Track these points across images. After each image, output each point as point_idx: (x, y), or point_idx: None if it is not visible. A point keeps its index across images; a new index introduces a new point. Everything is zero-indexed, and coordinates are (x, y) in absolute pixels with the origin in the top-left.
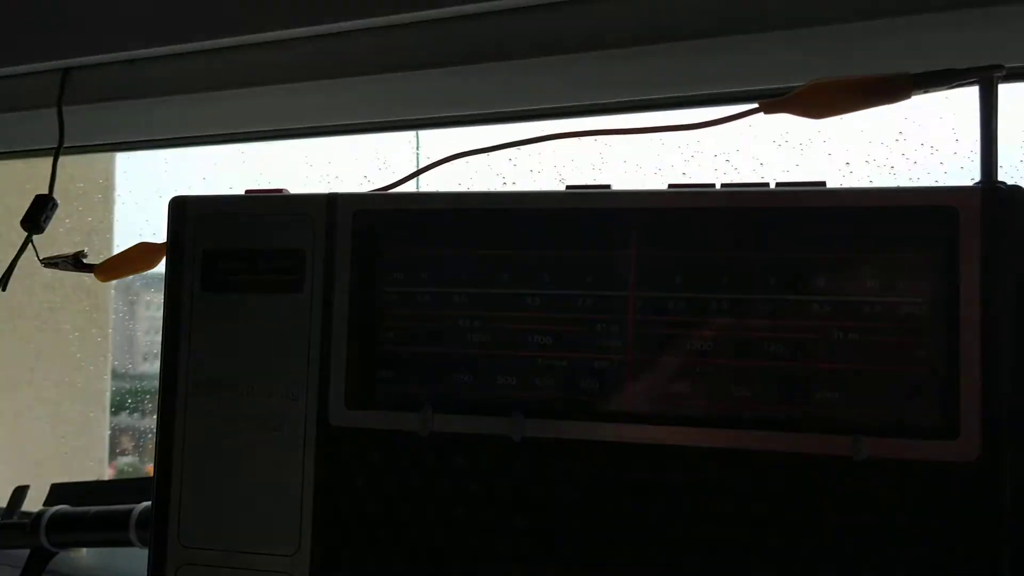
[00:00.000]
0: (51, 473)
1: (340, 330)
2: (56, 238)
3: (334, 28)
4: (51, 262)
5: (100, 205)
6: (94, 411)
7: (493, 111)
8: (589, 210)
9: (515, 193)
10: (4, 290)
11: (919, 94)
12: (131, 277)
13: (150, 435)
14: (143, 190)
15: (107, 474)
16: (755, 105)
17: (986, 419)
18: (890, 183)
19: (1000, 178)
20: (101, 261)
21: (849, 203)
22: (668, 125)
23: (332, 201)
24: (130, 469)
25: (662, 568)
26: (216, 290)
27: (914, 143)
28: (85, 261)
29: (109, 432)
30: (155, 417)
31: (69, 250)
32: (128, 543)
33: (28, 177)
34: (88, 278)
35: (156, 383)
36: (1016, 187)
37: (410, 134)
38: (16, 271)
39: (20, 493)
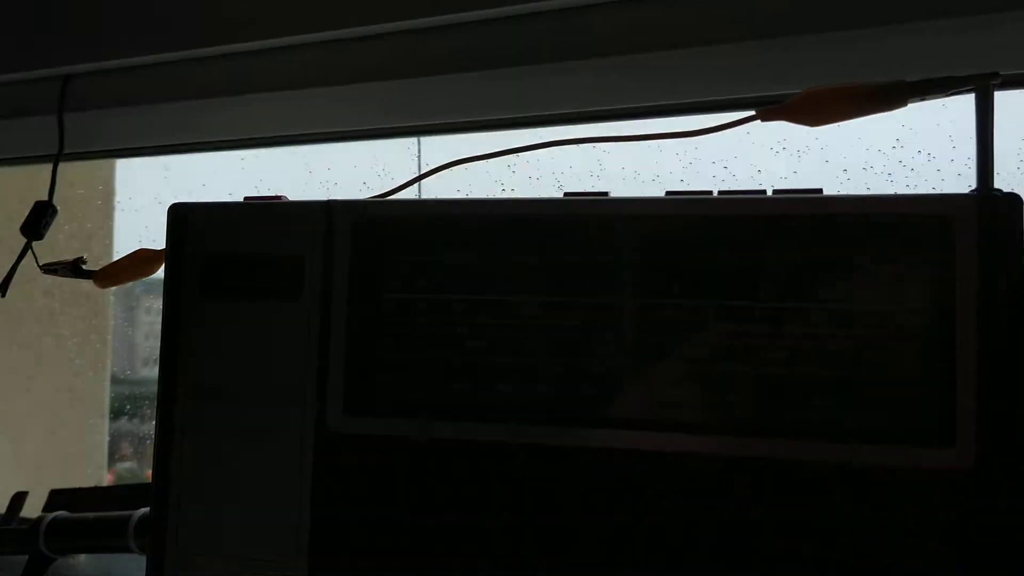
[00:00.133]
0: (50, 479)
1: (339, 336)
2: (56, 244)
3: (333, 35)
4: (50, 268)
5: (100, 211)
6: (93, 417)
7: (492, 118)
8: (587, 217)
9: (514, 200)
10: (3, 296)
11: (915, 101)
12: (130, 282)
13: (149, 440)
14: (143, 196)
15: (106, 480)
16: (752, 113)
17: (982, 426)
18: (887, 190)
19: (997, 185)
20: (100, 267)
21: (846, 211)
22: (666, 133)
23: (331, 208)
24: (129, 475)
25: (660, 574)
26: (215, 297)
27: (911, 150)
28: (84, 267)
29: (108, 438)
30: (154, 423)
31: (69, 256)
32: (127, 549)
33: (28, 183)
34: (87, 284)
35: (155, 388)
36: (1012, 195)
37: (409, 141)
38: (16, 277)
39: (19, 499)
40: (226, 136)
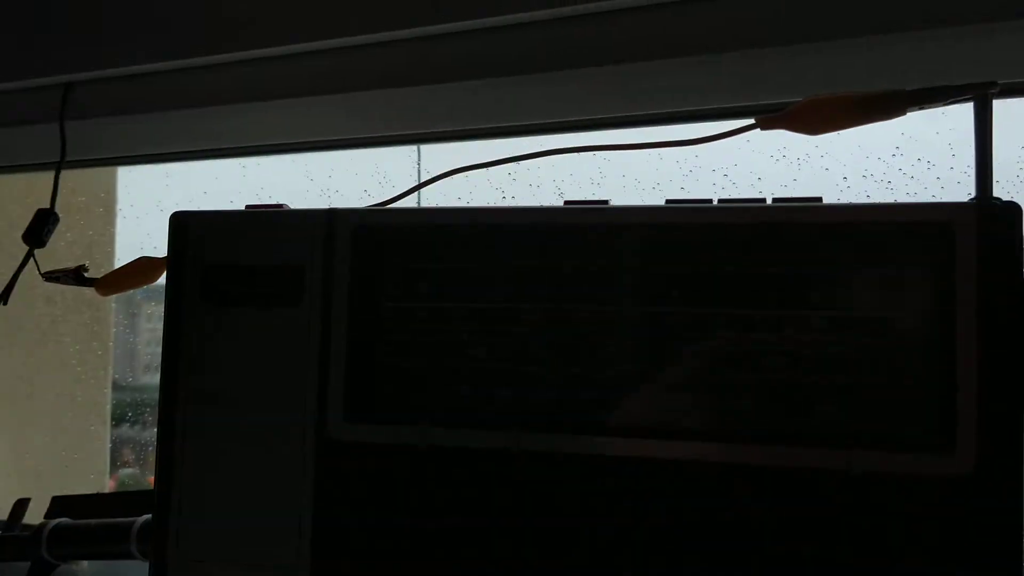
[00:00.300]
0: (52, 485)
1: (339, 344)
2: (57, 251)
3: (334, 44)
4: (52, 276)
5: (101, 219)
6: (95, 424)
7: (493, 126)
8: (587, 225)
9: (514, 208)
10: (5, 304)
11: (914, 110)
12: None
13: (151, 447)
14: (144, 204)
15: (108, 486)
16: (752, 121)
17: (982, 433)
18: (887, 198)
19: (997, 192)
20: (102, 275)
21: (845, 219)
22: (666, 141)
23: (331, 216)
24: (131, 481)
25: None
26: (216, 304)
27: (911, 158)
28: (86, 275)
29: (110, 444)
30: (155, 429)
31: (70, 263)
32: (129, 555)
33: (29, 191)
34: (89, 291)
35: (156, 395)
36: (1011, 203)
37: (409, 148)
38: (17, 284)
39: (21, 506)
40: (227, 144)
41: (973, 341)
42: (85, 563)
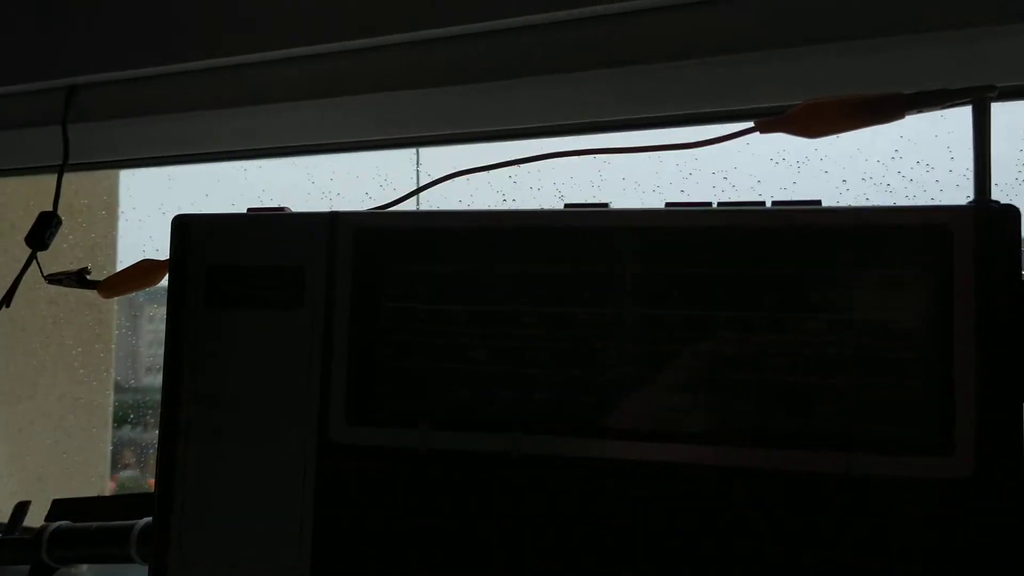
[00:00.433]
0: (53, 488)
1: (340, 347)
2: (60, 253)
3: (335, 48)
4: (55, 279)
5: (104, 221)
6: (96, 426)
7: (493, 129)
8: (587, 228)
9: (514, 211)
10: (8, 306)
11: (912, 114)
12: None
13: (152, 448)
14: (146, 206)
15: (109, 488)
16: (751, 124)
17: (981, 435)
18: (886, 201)
19: (996, 195)
20: (105, 278)
21: (844, 222)
22: (666, 144)
23: (333, 219)
24: (132, 483)
25: None
26: (218, 307)
27: (910, 161)
28: (89, 278)
29: (111, 447)
30: (156, 430)
31: (73, 266)
32: (129, 559)
33: (32, 193)
34: (91, 293)
35: (158, 396)
36: (1009, 206)
37: (410, 151)
38: (20, 286)
39: (22, 508)
40: (229, 147)
41: (971, 344)
42: (85, 566)
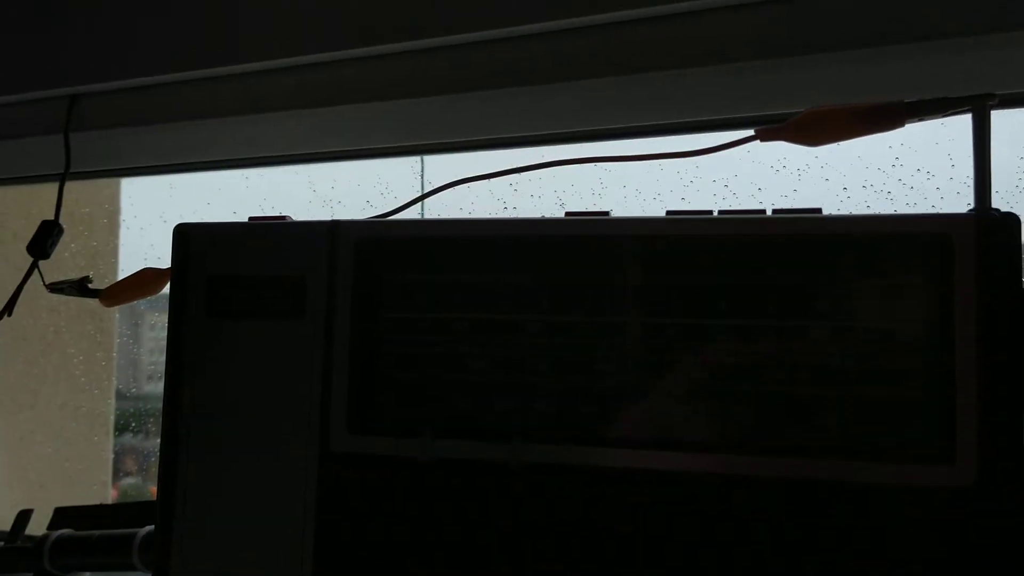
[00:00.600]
0: (55, 496)
1: (341, 356)
2: (61, 262)
3: (337, 56)
4: (56, 287)
5: (105, 230)
6: (98, 434)
7: (494, 136)
8: (588, 237)
9: (515, 220)
10: (10, 315)
11: (913, 122)
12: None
13: (153, 456)
14: (148, 215)
15: (111, 496)
16: (752, 132)
17: (983, 444)
18: (887, 209)
19: (996, 203)
20: (106, 286)
21: (845, 231)
22: (666, 153)
23: (334, 228)
24: (133, 491)
25: None
26: (219, 316)
27: (911, 168)
28: (90, 286)
29: (113, 455)
30: (158, 437)
31: (74, 274)
32: (131, 567)
33: (33, 202)
34: (93, 302)
35: (159, 404)
36: (1009, 214)
37: (411, 159)
38: (22, 294)
39: (24, 517)
40: (230, 155)
41: (972, 352)
42: (87, 574)
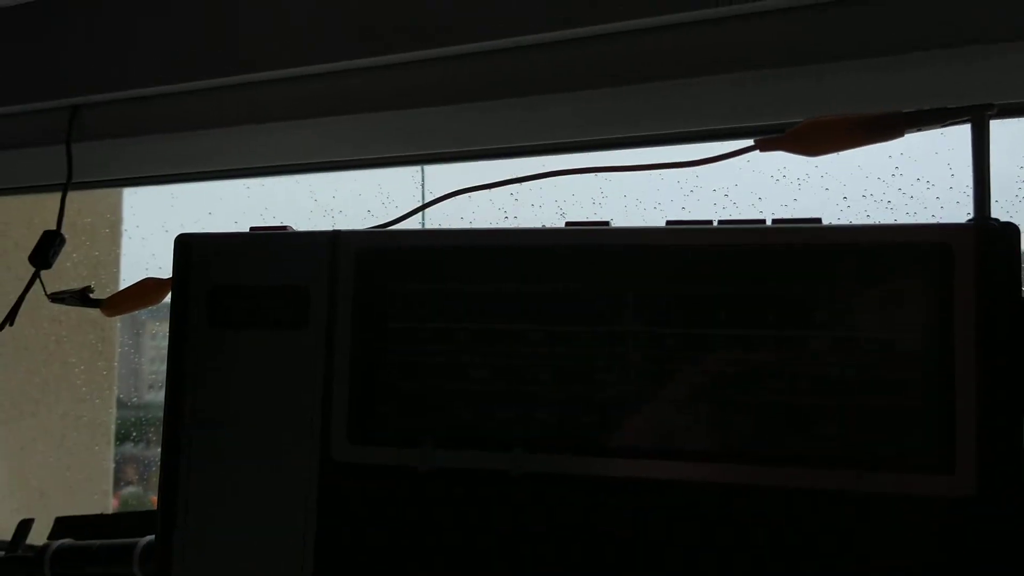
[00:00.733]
0: (56, 505)
1: (343, 365)
2: (63, 271)
3: (338, 67)
4: (58, 297)
5: (107, 239)
6: (99, 443)
7: (495, 146)
8: (589, 247)
9: (516, 230)
10: (12, 325)
11: (912, 132)
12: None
13: (154, 465)
14: (150, 225)
15: (112, 505)
16: (751, 143)
17: (982, 454)
18: (887, 218)
19: (996, 212)
20: (107, 296)
21: (844, 240)
22: (666, 163)
23: (335, 238)
24: (134, 500)
25: None
26: (220, 326)
27: (910, 178)
28: (91, 296)
29: (114, 464)
30: (159, 446)
31: (76, 284)
32: None
33: (35, 211)
34: (94, 311)
35: (160, 413)
36: (1009, 223)
37: (412, 169)
38: (23, 304)
39: (25, 526)
40: (232, 165)
41: (972, 361)
42: None
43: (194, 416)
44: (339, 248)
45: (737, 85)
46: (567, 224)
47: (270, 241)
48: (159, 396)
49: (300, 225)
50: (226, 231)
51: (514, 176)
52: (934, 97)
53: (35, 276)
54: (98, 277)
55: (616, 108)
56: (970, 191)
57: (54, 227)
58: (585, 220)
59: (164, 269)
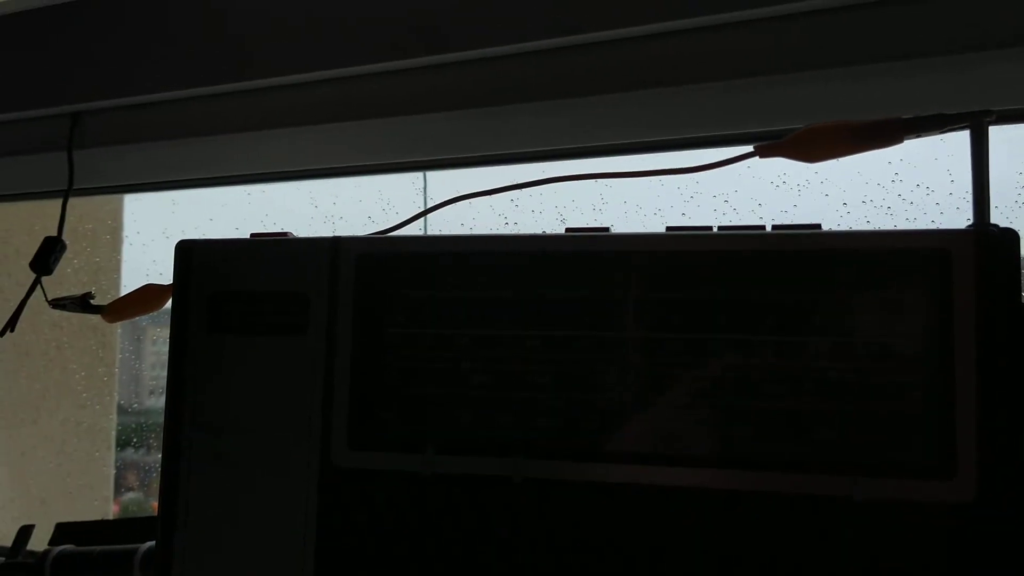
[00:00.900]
0: (57, 511)
1: (343, 371)
2: (64, 277)
3: (339, 73)
4: (59, 303)
5: (108, 246)
6: (99, 449)
7: (496, 153)
8: (589, 253)
9: (516, 236)
10: (12, 331)
11: (911, 138)
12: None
13: (155, 471)
14: (151, 231)
15: (112, 511)
16: (751, 149)
17: (982, 459)
18: (887, 224)
19: (996, 218)
20: (108, 302)
21: (844, 246)
22: (666, 169)
23: (336, 244)
24: (135, 505)
25: None
26: (221, 332)
27: (910, 184)
28: (92, 302)
29: (114, 470)
30: (159, 452)
31: (77, 290)
32: None
33: (36, 218)
34: (95, 317)
35: (161, 418)
36: (1008, 229)
37: (414, 175)
38: (24, 310)
39: (25, 532)
40: (233, 171)
41: (972, 367)
42: None
43: (195, 422)
44: (340, 254)
45: (737, 91)
46: (567, 230)
47: (271, 247)
48: (160, 402)
49: (301, 231)
50: (227, 237)
51: (515, 182)
52: (933, 103)
53: (36, 282)
54: (99, 283)
55: (616, 114)
56: (970, 197)
57: (55, 233)
58: (585, 226)
59: (165, 275)
